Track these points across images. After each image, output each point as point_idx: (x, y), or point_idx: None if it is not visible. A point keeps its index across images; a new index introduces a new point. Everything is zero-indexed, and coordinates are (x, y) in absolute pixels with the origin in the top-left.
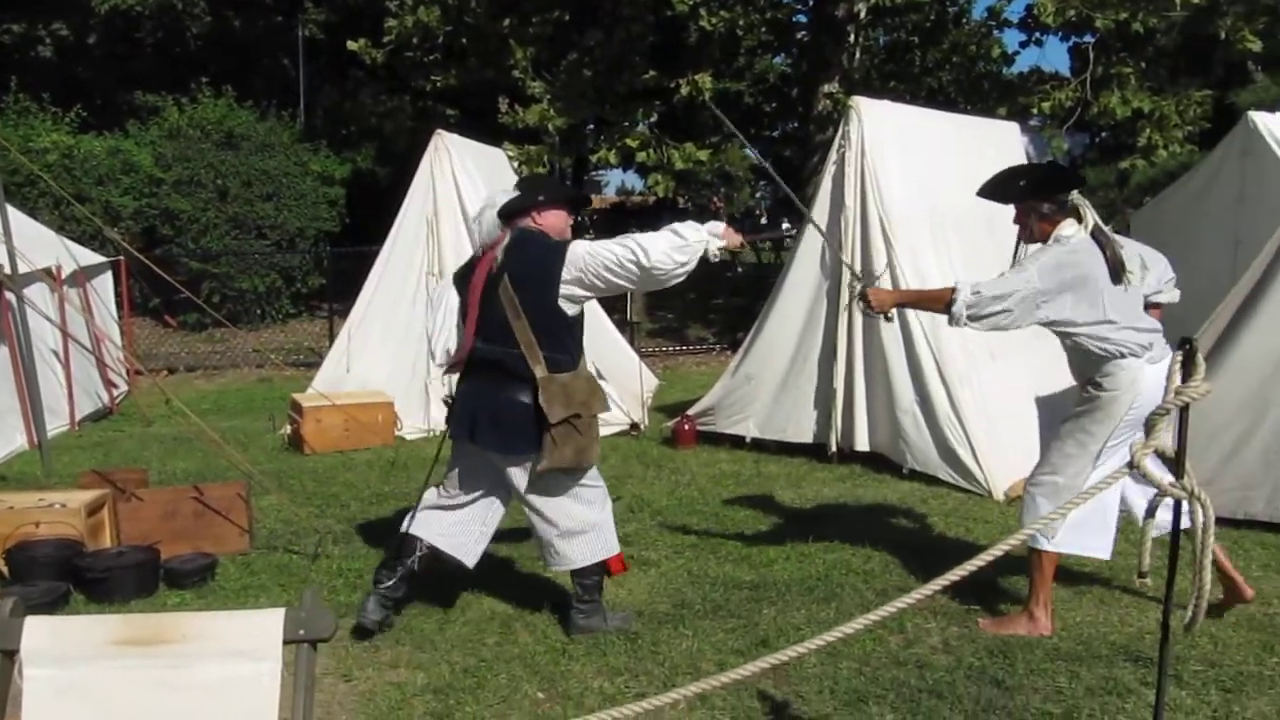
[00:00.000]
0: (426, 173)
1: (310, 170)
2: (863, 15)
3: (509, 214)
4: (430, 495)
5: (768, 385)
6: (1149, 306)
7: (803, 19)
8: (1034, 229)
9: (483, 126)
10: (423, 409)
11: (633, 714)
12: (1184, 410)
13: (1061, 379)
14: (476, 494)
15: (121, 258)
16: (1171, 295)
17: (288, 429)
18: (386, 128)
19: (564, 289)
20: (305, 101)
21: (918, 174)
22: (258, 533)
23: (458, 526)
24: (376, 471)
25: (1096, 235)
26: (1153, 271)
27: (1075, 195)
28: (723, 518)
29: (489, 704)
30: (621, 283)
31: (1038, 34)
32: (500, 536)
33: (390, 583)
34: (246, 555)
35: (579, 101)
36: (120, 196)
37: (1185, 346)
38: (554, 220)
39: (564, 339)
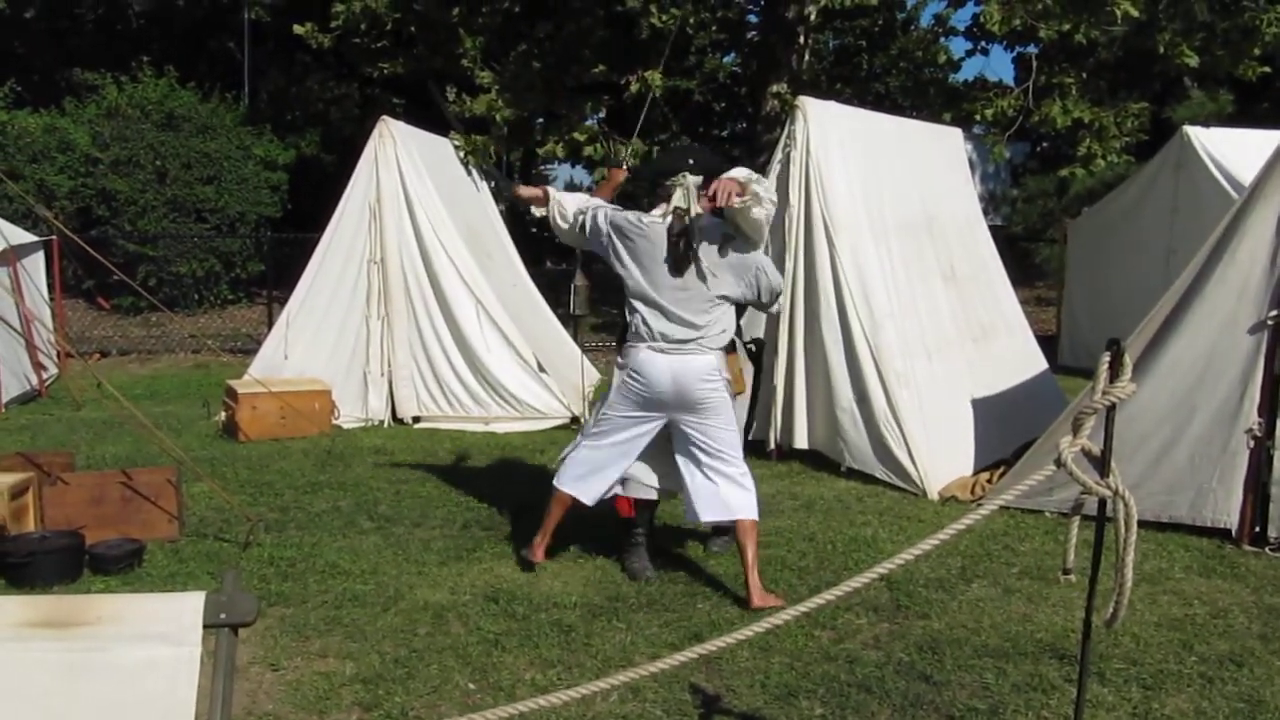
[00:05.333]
0: (370, 160)
1: (253, 154)
2: (813, 18)
3: None
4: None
5: None
6: (741, 308)
7: (753, 19)
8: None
9: (430, 116)
10: (360, 398)
11: (562, 702)
12: (1110, 410)
13: (999, 381)
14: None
15: (54, 237)
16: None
17: (222, 415)
18: (333, 114)
19: None
20: (250, 85)
21: (862, 175)
22: (188, 520)
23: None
24: (312, 460)
25: (680, 229)
26: (762, 285)
27: (688, 183)
28: (660, 512)
29: (419, 694)
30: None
31: (983, 42)
32: (438, 526)
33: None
34: (175, 542)
35: (527, 93)
36: (55, 175)
37: (1113, 349)
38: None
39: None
